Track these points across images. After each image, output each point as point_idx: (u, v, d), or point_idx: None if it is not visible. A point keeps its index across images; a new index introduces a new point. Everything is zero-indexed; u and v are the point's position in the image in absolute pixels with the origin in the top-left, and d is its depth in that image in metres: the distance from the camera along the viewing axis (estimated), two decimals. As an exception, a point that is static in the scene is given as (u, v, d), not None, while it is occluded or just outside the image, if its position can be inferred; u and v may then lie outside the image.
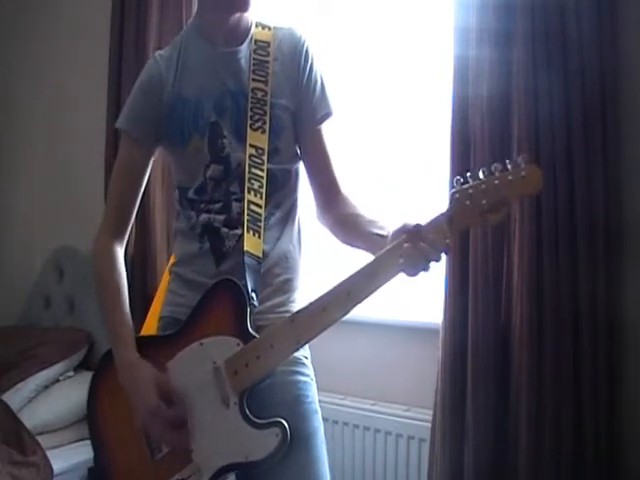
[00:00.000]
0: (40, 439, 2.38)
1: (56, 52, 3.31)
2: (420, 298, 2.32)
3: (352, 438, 2.32)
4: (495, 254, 1.95)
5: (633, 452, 1.84)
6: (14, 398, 2.52)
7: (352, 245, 1.40)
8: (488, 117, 1.93)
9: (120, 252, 1.48)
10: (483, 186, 1.17)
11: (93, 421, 1.45)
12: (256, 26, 1.48)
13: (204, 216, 1.41)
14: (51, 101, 3.34)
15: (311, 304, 1.26)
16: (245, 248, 1.35)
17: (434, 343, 2.07)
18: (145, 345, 1.40)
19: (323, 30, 2.54)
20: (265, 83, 1.41)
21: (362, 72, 2.50)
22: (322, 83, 1.47)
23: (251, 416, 1.28)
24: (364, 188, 2.48)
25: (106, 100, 2.89)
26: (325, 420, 2.32)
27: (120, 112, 1.52)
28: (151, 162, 1.50)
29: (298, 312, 1.27)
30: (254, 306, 1.33)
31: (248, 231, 1.36)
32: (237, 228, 1.39)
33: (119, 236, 1.49)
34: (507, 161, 1.17)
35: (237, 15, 1.44)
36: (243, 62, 1.44)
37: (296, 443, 1.30)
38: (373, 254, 1.24)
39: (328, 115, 1.47)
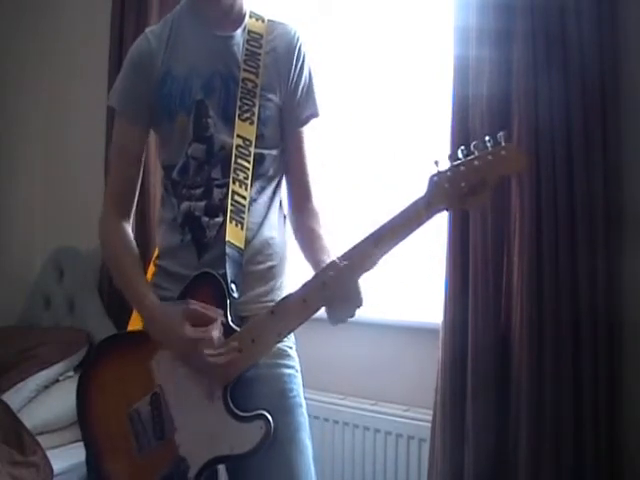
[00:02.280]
0: (40, 439, 2.38)
1: (56, 52, 3.31)
2: (420, 298, 2.32)
3: (352, 438, 2.32)
4: (495, 254, 1.95)
5: (633, 452, 1.84)
6: (14, 398, 2.51)
7: (302, 254, 1.42)
8: (488, 117, 1.93)
9: (128, 229, 1.47)
10: (462, 168, 1.15)
11: (82, 419, 1.44)
12: (250, 16, 1.48)
13: (185, 204, 1.40)
14: (51, 101, 3.34)
15: (291, 295, 1.26)
16: (227, 238, 1.35)
17: (434, 343, 2.07)
18: (128, 341, 1.41)
19: (323, 30, 2.54)
20: (256, 75, 1.41)
21: (362, 72, 2.49)
22: (310, 83, 1.47)
23: (235, 409, 1.29)
24: (363, 187, 2.49)
25: (106, 100, 2.87)
26: (325, 420, 2.36)
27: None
28: (146, 139, 1.49)
29: (278, 304, 1.28)
30: (234, 298, 1.32)
31: (231, 221, 1.36)
32: (218, 216, 1.38)
33: (124, 216, 1.48)
34: (487, 138, 1.15)
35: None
36: (235, 49, 1.44)
37: (282, 437, 1.31)
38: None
39: (313, 116, 1.48)
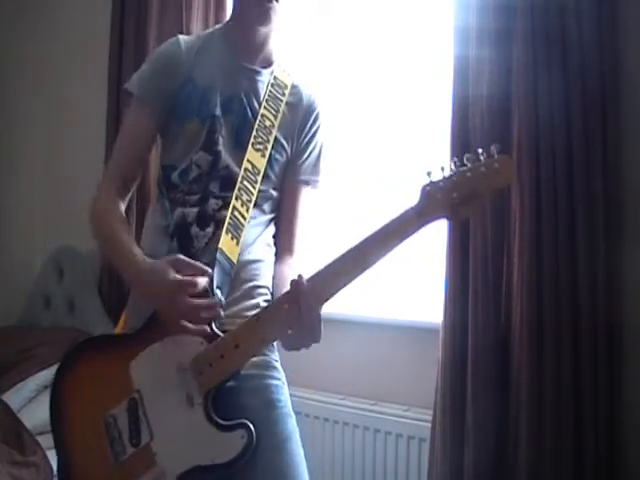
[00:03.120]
0: (40, 439, 2.37)
1: (56, 52, 3.31)
2: (420, 298, 2.32)
3: (352, 438, 2.32)
4: (495, 254, 1.95)
5: (633, 453, 1.83)
6: (14, 398, 2.51)
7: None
8: (488, 117, 1.93)
9: (122, 206, 1.44)
10: (454, 178, 1.16)
11: (56, 423, 1.39)
12: (279, 65, 1.51)
13: (179, 211, 1.39)
14: (51, 101, 3.34)
15: (277, 301, 1.26)
16: (220, 245, 1.33)
17: (434, 343, 2.07)
18: (107, 344, 1.39)
19: (323, 30, 2.54)
20: (275, 117, 1.45)
21: (362, 72, 2.49)
22: (319, 153, 1.51)
23: (216, 417, 1.25)
24: (363, 187, 2.49)
25: (106, 101, 2.89)
26: (325, 420, 2.36)
27: (121, 94, 1.51)
28: (156, 136, 1.48)
29: (264, 310, 1.26)
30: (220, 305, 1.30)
31: (227, 233, 1.35)
32: (209, 226, 1.37)
33: (121, 196, 1.45)
34: (480, 150, 1.15)
35: (262, 35, 1.45)
36: (260, 85, 1.47)
37: (271, 447, 1.30)
38: None
39: (312, 183, 1.51)
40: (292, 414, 1.41)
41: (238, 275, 1.38)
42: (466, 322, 1.97)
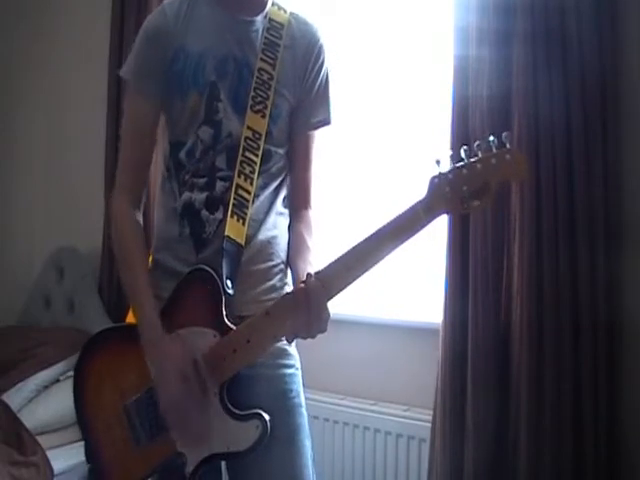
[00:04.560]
0: (40, 439, 2.38)
1: (57, 52, 3.31)
2: (420, 298, 2.32)
3: (352, 438, 2.32)
4: (495, 254, 1.95)
5: (633, 453, 1.84)
6: (14, 398, 2.51)
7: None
8: (488, 117, 1.93)
9: (139, 216, 1.43)
10: (464, 171, 1.11)
11: (79, 410, 1.42)
12: (272, 4, 1.43)
13: (186, 194, 1.37)
14: (51, 101, 3.34)
15: (286, 296, 1.25)
16: (226, 233, 1.31)
17: (434, 343, 2.07)
18: (125, 334, 1.39)
19: (325, 30, 2.53)
20: (273, 67, 1.37)
21: (363, 72, 2.49)
22: (327, 88, 1.44)
23: (231, 407, 1.27)
24: (363, 187, 2.49)
25: (106, 100, 2.89)
26: (325, 420, 2.36)
27: (122, 93, 1.48)
28: (160, 117, 1.44)
29: (273, 306, 1.25)
30: (229, 295, 1.30)
31: (232, 216, 1.32)
32: (218, 210, 1.35)
33: (136, 198, 1.43)
34: (491, 138, 1.11)
35: None
36: (254, 35, 1.39)
37: (281, 438, 1.30)
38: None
39: (325, 123, 1.44)
40: (303, 403, 1.41)
41: (251, 259, 1.36)
42: (466, 322, 1.97)
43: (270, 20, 1.41)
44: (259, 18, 1.41)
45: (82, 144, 3.17)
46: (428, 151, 2.30)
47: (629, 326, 1.84)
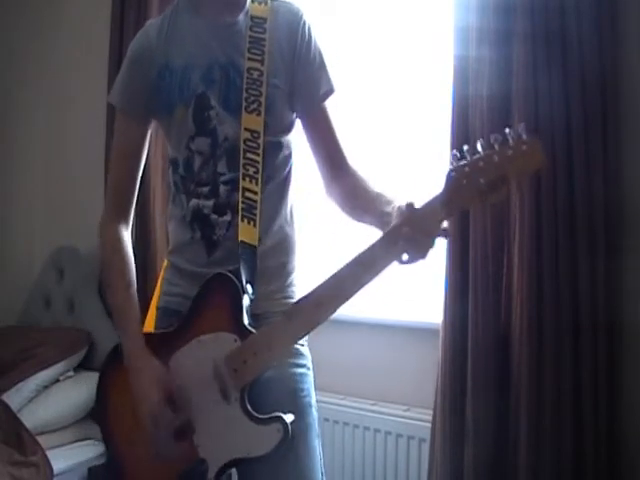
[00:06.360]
0: (40, 439, 2.38)
1: (56, 52, 3.31)
2: (420, 298, 2.32)
3: (352, 438, 2.32)
4: (495, 254, 1.95)
5: (633, 452, 1.84)
6: (14, 398, 2.51)
7: (360, 220, 1.37)
8: (488, 117, 1.93)
9: (127, 235, 1.47)
10: (481, 163, 1.09)
11: (102, 416, 1.45)
12: (252, 1, 1.43)
13: (193, 201, 1.39)
14: (51, 101, 3.34)
15: (306, 298, 1.24)
16: (240, 238, 1.33)
17: (434, 343, 2.07)
18: (148, 342, 1.39)
19: (325, 30, 2.53)
20: (261, 62, 1.37)
21: (362, 72, 2.49)
22: (322, 61, 1.43)
23: (252, 411, 1.28)
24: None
25: (106, 101, 2.89)
26: (325, 420, 2.36)
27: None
28: (148, 136, 1.47)
29: (294, 307, 1.26)
30: (250, 299, 1.32)
31: (242, 220, 1.34)
32: (226, 213, 1.37)
33: (124, 218, 1.47)
34: (507, 131, 1.09)
35: None
36: (237, 37, 1.39)
37: (292, 437, 1.30)
38: (382, 230, 1.21)
39: (330, 92, 1.43)
40: (314, 403, 1.43)
41: (263, 256, 1.37)
42: (466, 322, 1.97)
43: (252, 17, 1.41)
44: (240, 17, 1.41)
45: (82, 144, 3.17)
46: (428, 151, 2.30)
47: (629, 326, 1.84)
